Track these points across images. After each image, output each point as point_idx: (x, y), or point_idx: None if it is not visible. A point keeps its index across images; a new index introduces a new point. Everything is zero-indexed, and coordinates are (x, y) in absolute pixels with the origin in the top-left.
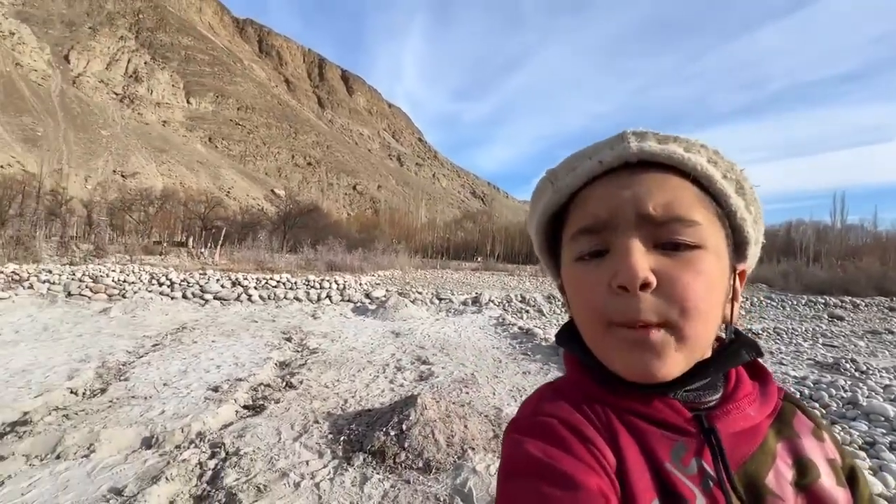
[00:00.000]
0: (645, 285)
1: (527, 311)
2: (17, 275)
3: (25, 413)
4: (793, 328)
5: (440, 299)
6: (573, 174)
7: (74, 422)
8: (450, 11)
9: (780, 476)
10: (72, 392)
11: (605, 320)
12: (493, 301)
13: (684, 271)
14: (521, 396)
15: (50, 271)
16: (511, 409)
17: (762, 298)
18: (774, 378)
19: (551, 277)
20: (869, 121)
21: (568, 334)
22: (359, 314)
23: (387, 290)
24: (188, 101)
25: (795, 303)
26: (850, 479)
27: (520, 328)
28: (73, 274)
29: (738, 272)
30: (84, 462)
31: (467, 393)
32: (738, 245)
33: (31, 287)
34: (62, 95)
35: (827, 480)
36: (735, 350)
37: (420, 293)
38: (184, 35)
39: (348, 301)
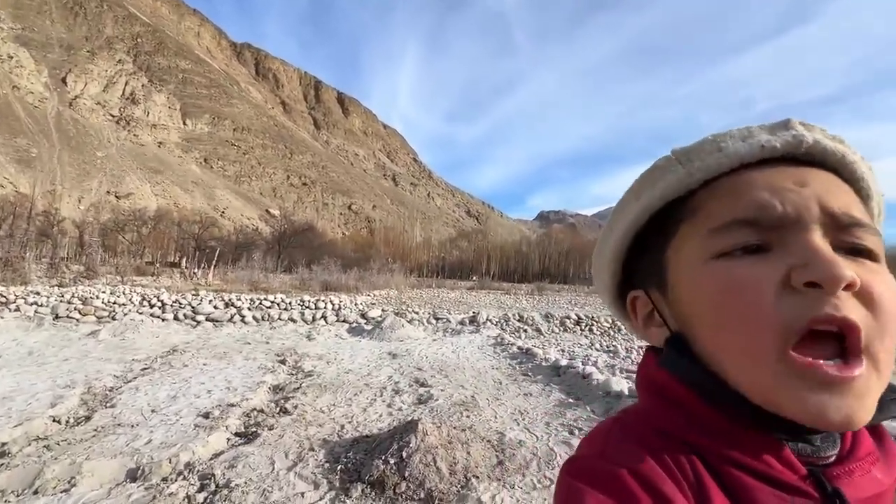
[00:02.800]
0: (849, 285)
1: (525, 331)
2: (4, 297)
3: (3, 444)
4: None
5: (437, 319)
6: (719, 155)
7: (55, 453)
8: (443, 38)
9: None
10: (54, 420)
11: (782, 335)
12: (490, 320)
13: (877, 280)
14: (524, 420)
15: (38, 293)
16: (514, 434)
17: None
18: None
19: (605, 291)
20: (850, 140)
21: (677, 358)
22: (355, 335)
23: (383, 310)
24: (184, 123)
25: None
26: None
27: (519, 348)
28: (62, 296)
29: None
30: (63, 498)
31: (468, 417)
32: None
33: (17, 309)
34: (58, 117)
35: None
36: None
37: (416, 313)
38: (181, 59)
39: (344, 322)
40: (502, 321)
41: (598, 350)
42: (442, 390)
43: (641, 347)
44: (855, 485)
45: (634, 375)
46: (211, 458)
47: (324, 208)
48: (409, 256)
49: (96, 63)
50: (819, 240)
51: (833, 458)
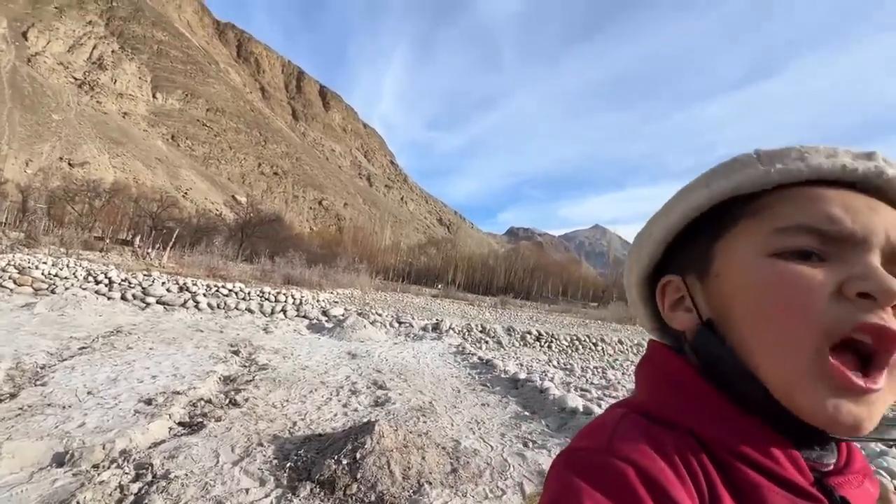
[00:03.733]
0: None
1: (486, 342)
2: None
3: None
4: None
5: (400, 323)
6: (801, 164)
7: None
8: (432, 46)
9: None
10: None
11: (824, 336)
12: (453, 329)
13: None
14: (480, 430)
15: None
16: (470, 443)
17: None
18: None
19: (639, 265)
20: None
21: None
22: (314, 332)
23: (345, 309)
24: (154, 96)
25: None
26: None
27: (479, 358)
28: None
29: None
30: None
31: (425, 422)
32: None
33: None
34: (13, 72)
35: None
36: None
37: (380, 315)
38: (159, 29)
39: (304, 317)
40: (465, 331)
41: (555, 367)
42: (400, 394)
43: (597, 368)
44: (854, 495)
45: (588, 392)
46: (150, 447)
47: (293, 201)
48: (376, 258)
49: (63, 21)
50: (878, 261)
51: (832, 467)
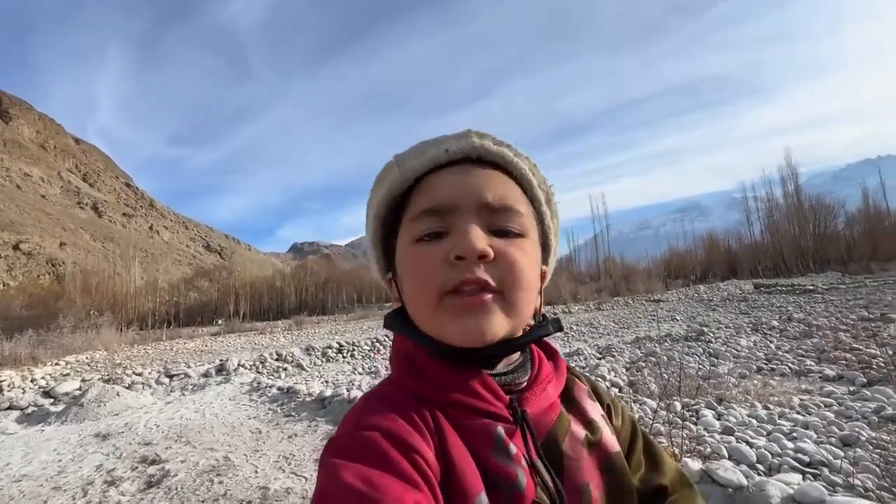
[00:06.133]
0: (482, 256)
1: (285, 369)
2: None
3: None
4: None
5: (171, 376)
6: (421, 158)
7: None
8: (163, 47)
9: (574, 440)
10: None
11: (440, 291)
12: (243, 365)
13: (514, 249)
14: (290, 465)
15: None
16: (280, 483)
17: None
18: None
19: (378, 271)
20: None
21: (400, 321)
22: (33, 424)
23: (83, 381)
24: None
25: None
26: (611, 414)
27: (279, 388)
28: None
29: (542, 272)
30: None
31: (221, 482)
32: (543, 248)
33: None
34: None
35: (606, 432)
36: (543, 324)
37: (140, 374)
38: None
39: (10, 409)
40: (258, 363)
41: (360, 374)
42: (183, 461)
43: None
44: (534, 402)
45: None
46: None
47: None
48: (125, 305)
49: None
50: (471, 223)
51: (525, 383)
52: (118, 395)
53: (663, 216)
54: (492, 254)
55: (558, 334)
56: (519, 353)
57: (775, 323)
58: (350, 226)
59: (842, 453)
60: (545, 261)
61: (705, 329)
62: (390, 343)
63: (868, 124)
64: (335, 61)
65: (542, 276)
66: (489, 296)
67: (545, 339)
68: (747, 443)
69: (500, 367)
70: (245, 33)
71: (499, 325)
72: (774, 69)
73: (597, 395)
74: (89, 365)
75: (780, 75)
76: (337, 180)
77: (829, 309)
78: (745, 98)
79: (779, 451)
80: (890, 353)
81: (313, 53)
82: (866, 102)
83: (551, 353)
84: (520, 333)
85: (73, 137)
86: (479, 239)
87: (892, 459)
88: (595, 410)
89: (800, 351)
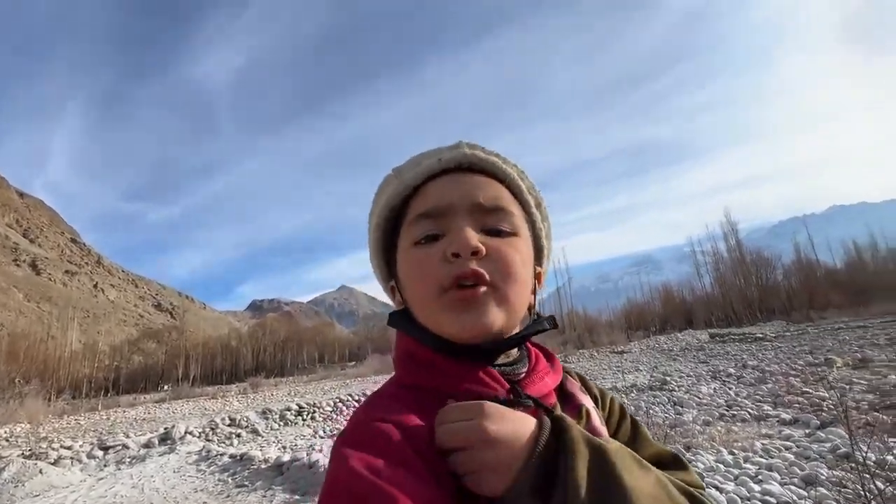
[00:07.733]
0: (475, 252)
1: (238, 435)
2: None
3: None
4: None
5: (106, 448)
6: (417, 169)
7: None
8: (123, 103)
9: None
10: None
11: (439, 287)
12: (191, 433)
13: (506, 247)
14: None
15: None
16: None
17: None
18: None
19: (381, 281)
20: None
21: (404, 320)
22: None
23: None
24: None
25: None
26: (603, 405)
27: (231, 456)
28: None
29: (536, 273)
30: None
31: None
32: (535, 251)
33: None
34: None
35: (595, 419)
36: (539, 321)
37: (69, 448)
38: None
39: None
40: (208, 430)
41: (322, 437)
42: None
43: None
44: (533, 388)
45: None
46: None
47: None
48: (56, 371)
49: None
50: (464, 224)
51: (524, 374)
52: (41, 472)
53: (620, 270)
54: (484, 250)
55: None
56: (516, 349)
57: (732, 370)
58: (313, 282)
59: (805, 493)
60: (539, 262)
61: (668, 378)
62: (393, 343)
63: (793, 184)
64: (301, 120)
65: (538, 276)
66: (484, 289)
67: (541, 343)
68: (716, 488)
69: (500, 360)
70: (211, 93)
71: (494, 318)
72: (708, 135)
73: (587, 387)
74: (8, 440)
75: (714, 140)
76: (301, 235)
77: (778, 355)
78: (687, 160)
79: (747, 494)
80: (837, 395)
81: (280, 113)
82: (791, 164)
83: (548, 354)
84: (516, 330)
85: (16, 191)
86: (473, 237)
87: (849, 497)
88: (586, 400)
89: (757, 396)
